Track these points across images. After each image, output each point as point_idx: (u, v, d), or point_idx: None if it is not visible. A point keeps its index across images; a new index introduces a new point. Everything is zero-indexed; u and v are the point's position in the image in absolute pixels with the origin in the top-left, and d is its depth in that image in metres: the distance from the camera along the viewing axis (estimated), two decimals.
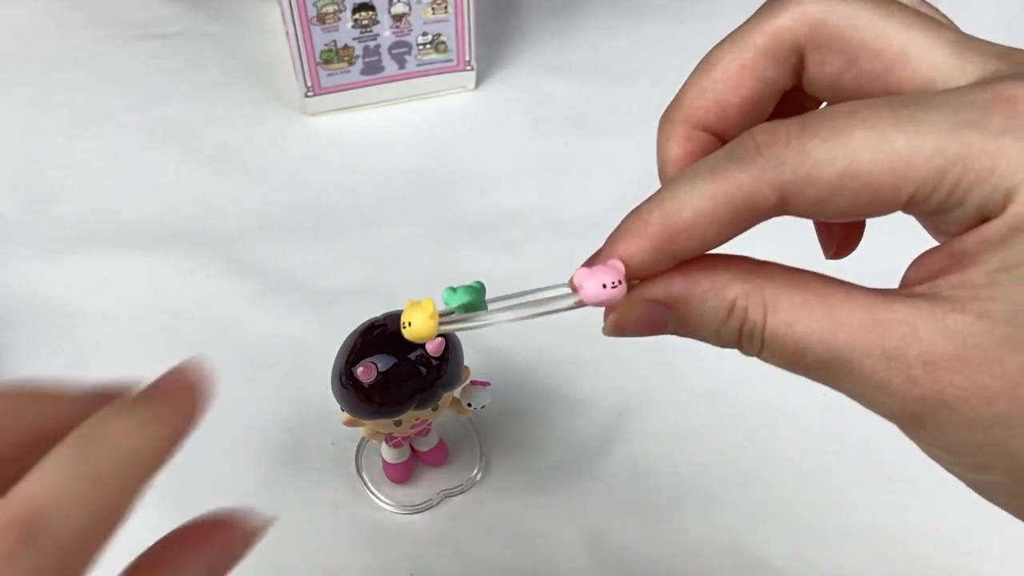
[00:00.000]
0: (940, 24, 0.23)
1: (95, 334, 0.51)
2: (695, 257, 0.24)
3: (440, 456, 0.46)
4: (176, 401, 0.23)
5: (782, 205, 0.22)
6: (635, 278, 0.24)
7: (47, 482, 0.19)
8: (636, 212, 0.24)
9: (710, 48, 0.26)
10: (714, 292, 0.24)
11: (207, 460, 0.44)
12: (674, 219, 0.23)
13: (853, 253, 0.29)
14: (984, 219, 0.22)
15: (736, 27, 0.25)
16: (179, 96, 0.61)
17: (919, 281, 0.23)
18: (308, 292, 0.53)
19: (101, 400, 0.22)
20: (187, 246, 0.54)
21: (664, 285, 0.24)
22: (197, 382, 0.23)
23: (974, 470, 0.23)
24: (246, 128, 0.59)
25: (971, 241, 0.22)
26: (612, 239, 0.24)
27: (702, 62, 0.26)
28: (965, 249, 0.22)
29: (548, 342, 0.50)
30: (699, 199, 0.23)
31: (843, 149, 0.21)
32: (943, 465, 0.24)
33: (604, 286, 0.24)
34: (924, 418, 0.22)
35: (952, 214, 0.22)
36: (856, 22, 0.23)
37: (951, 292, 0.22)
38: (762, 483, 0.47)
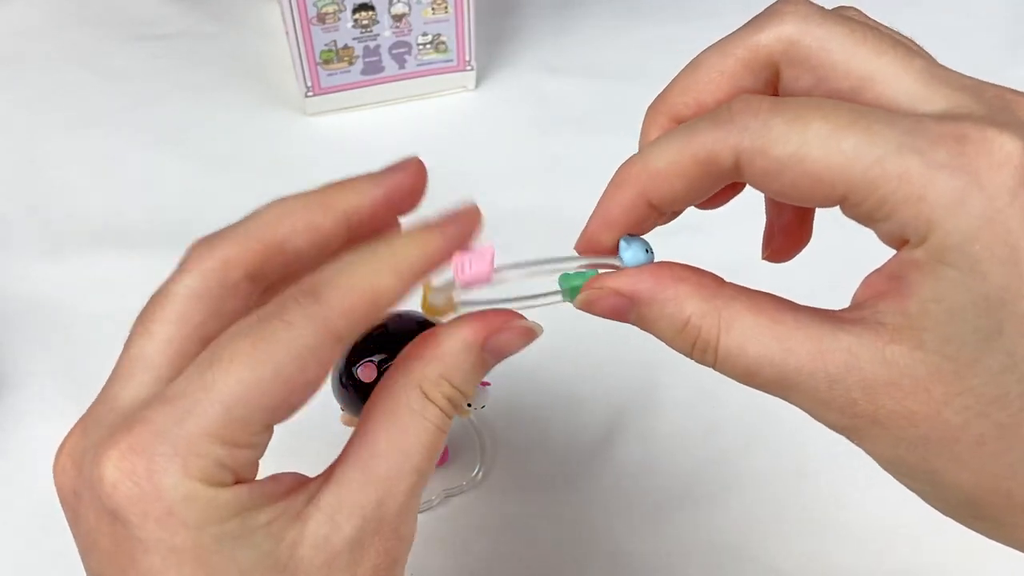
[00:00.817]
0: (912, 52, 0.25)
1: (95, 334, 0.51)
2: (670, 264, 0.27)
3: (440, 456, 0.46)
4: (453, 224, 0.28)
5: (737, 169, 0.25)
6: (618, 225, 0.27)
7: (333, 267, 0.26)
8: (625, 163, 0.27)
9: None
10: (674, 303, 0.26)
11: None
12: (650, 167, 0.26)
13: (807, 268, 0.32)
14: (904, 239, 0.24)
15: (725, 35, 0.27)
16: (179, 96, 0.61)
17: (866, 300, 0.25)
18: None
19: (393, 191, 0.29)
20: (187, 246, 0.54)
21: (633, 281, 0.27)
22: (471, 217, 0.29)
23: (903, 477, 0.26)
24: (246, 128, 0.59)
25: (905, 266, 0.24)
26: (606, 190, 0.28)
27: (689, 63, 0.28)
28: (901, 275, 0.24)
29: (549, 342, 0.50)
30: (673, 151, 0.26)
31: (798, 134, 0.23)
32: (878, 462, 0.27)
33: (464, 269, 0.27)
34: (861, 432, 0.25)
35: (880, 225, 0.24)
36: (829, 45, 0.25)
37: (891, 319, 0.24)
38: (762, 483, 0.47)
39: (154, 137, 0.59)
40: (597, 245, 0.28)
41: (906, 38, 0.26)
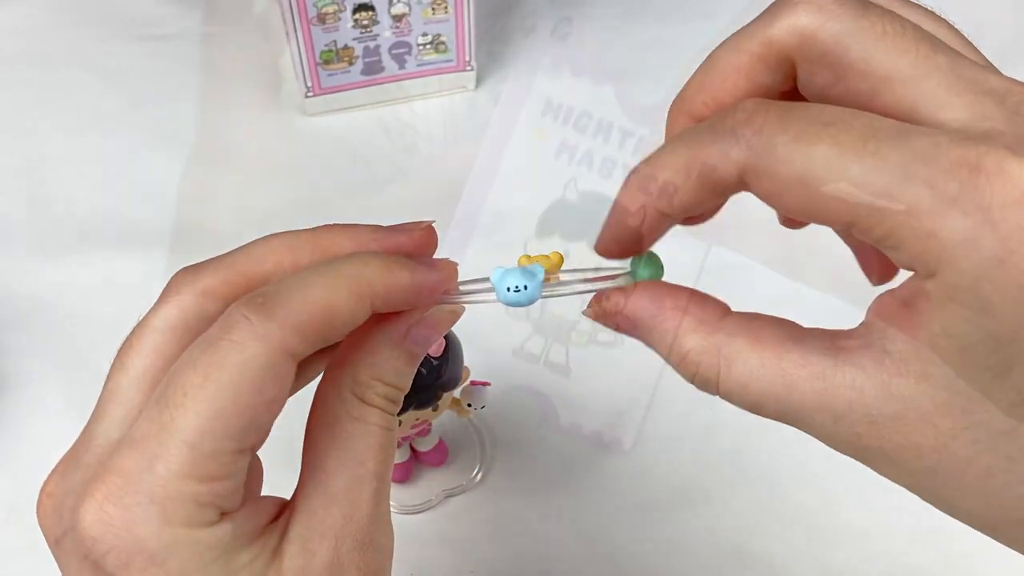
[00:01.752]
0: (937, 47, 0.24)
1: (95, 334, 0.51)
2: (674, 290, 0.27)
3: (440, 456, 0.46)
4: (405, 234, 0.28)
5: (742, 184, 0.24)
6: (632, 227, 0.27)
7: (286, 280, 0.26)
8: (632, 171, 0.26)
9: (711, 48, 0.27)
10: (673, 335, 0.26)
11: None
12: (656, 173, 0.25)
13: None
14: (912, 269, 0.23)
15: (739, 28, 0.26)
16: (179, 96, 0.61)
17: (876, 321, 0.24)
18: None
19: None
20: (187, 246, 0.54)
21: (635, 308, 0.27)
22: (429, 234, 0.29)
23: (916, 494, 0.25)
24: (246, 127, 0.59)
25: (916, 295, 0.23)
26: (615, 200, 0.27)
27: (705, 61, 0.27)
28: (912, 303, 0.23)
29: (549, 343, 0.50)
30: (675, 159, 0.25)
31: (803, 157, 0.23)
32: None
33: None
34: (868, 461, 0.25)
35: (888, 252, 0.23)
36: (845, 41, 0.24)
37: (898, 349, 0.23)
38: (762, 483, 0.47)
39: (154, 137, 0.59)
40: (611, 250, 0.28)
41: (934, 19, 0.25)
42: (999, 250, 0.21)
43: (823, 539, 0.45)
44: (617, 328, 0.27)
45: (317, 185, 0.57)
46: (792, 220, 0.30)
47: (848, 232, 0.23)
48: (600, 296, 0.27)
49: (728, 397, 0.25)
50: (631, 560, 0.44)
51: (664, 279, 0.28)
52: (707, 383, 0.26)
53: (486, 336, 0.41)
